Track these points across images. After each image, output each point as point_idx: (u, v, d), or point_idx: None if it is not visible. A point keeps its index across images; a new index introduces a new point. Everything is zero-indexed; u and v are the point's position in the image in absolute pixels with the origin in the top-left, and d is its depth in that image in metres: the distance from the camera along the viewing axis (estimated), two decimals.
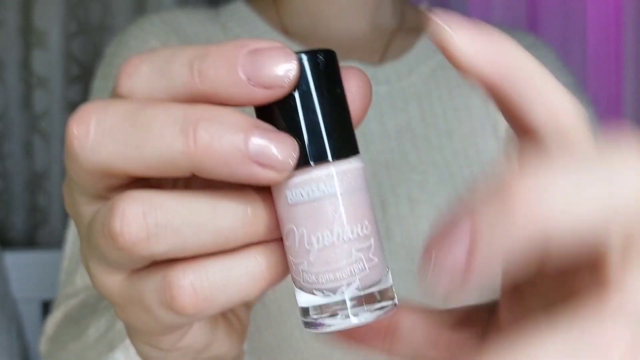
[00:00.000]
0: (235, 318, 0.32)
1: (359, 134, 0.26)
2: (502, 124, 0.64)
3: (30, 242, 1.37)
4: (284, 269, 0.24)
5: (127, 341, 0.38)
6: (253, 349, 0.58)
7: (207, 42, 0.65)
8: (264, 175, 0.21)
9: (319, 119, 0.24)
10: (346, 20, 0.66)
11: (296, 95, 0.23)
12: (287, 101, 0.23)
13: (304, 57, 0.23)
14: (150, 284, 0.23)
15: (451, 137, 0.62)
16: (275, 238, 0.24)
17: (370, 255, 0.25)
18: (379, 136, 0.60)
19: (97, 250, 0.23)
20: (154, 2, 1.40)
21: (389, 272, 0.26)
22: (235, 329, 0.31)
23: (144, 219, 0.21)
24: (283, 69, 0.21)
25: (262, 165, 0.21)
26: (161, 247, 0.21)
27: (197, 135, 0.20)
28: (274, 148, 0.21)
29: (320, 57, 0.24)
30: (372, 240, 0.25)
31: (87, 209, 0.24)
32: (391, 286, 0.26)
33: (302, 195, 0.24)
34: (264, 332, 0.57)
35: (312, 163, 0.24)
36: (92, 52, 1.36)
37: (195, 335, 0.28)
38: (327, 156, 0.24)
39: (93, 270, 0.25)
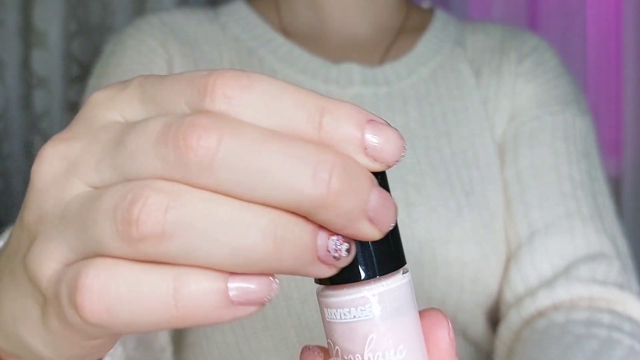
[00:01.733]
0: None
1: None
2: (499, 126, 0.64)
3: None
4: (213, 314, 0.21)
5: None
6: (250, 351, 0.58)
7: (205, 42, 0.65)
8: (369, 233, 0.21)
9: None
10: (348, 21, 0.66)
11: None
12: None
13: None
14: (67, 274, 0.21)
15: (449, 139, 0.61)
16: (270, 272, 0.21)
17: None
18: None
19: (83, 231, 0.21)
20: (154, 2, 1.40)
21: None
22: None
23: (163, 215, 0.20)
24: (395, 151, 0.21)
25: (372, 223, 0.21)
26: (170, 248, 0.20)
27: (331, 184, 0.20)
28: (387, 207, 0.21)
29: None
30: None
31: (80, 186, 0.22)
32: None
33: (336, 316, 0.23)
34: (260, 335, 0.57)
35: (350, 281, 0.23)
36: (92, 52, 1.36)
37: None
38: (360, 276, 0.23)
39: (51, 249, 0.22)
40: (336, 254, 0.21)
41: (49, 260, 0.22)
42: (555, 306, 0.56)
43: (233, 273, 0.21)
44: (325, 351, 0.25)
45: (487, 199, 0.60)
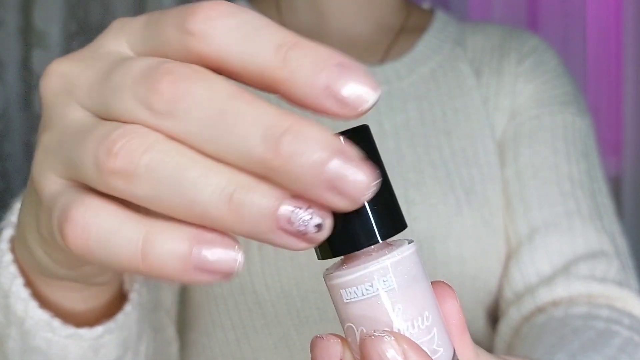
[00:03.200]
0: None
1: None
2: (499, 125, 0.64)
3: None
4: (179, 270, 0.21)
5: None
6: (251, 349, 0.58)
7: None
8: (334, 202, 0.20)
9: (366, 203, 0.22)
10: (349, 20, 0.66)
11: None
12: None
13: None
14: (62, 199, 0.23)
15: (449, 137, 0.62)
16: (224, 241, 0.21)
17: (435, 347, 0.23)
18: (376, 136, 0.60)
19: (73, 150, 0.23)
20: (154, 2, 1.40)
21: (454, 353, 0.25)
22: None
23: (139, 156, 0.21)
24: (365, 91, 0.21)
25: (335, 192, 0.20)
26: (137, 189, 0.21)
27: (279, 147, 0.20)
28: (352, 177, 0.20)
29: (358, 134, 0.23)
30: (435, 329, 0.24)
31: (80, 113, 0.24)
32: None
33: (356, 294, 0.23)
34: (260, 333, 0.57)
35: (362, 248, 0.22)
36: None
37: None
38: (376, 239, 0.22)
39: (49, 162, 0.24)
40: (302, 228, 0.20)
41: (49, 173, 0.24)
42: (555, 303, 0.56)
43: (202, 240, 0.21)
44: (341, 338, 0.24)
45: (487, 197, 0.60)
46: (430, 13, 0.71)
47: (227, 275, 0.21)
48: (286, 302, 0.56)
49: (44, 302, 0.35)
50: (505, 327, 0.58)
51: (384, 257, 0.23)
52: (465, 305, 0.59)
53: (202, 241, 0.21)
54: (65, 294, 0.35)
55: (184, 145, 0.21)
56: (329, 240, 0.22)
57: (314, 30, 0.66)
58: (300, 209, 0.20)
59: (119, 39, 0.24)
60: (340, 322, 0.24)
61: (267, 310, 0.57)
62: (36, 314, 0.34)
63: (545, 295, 0.56)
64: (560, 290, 0.56)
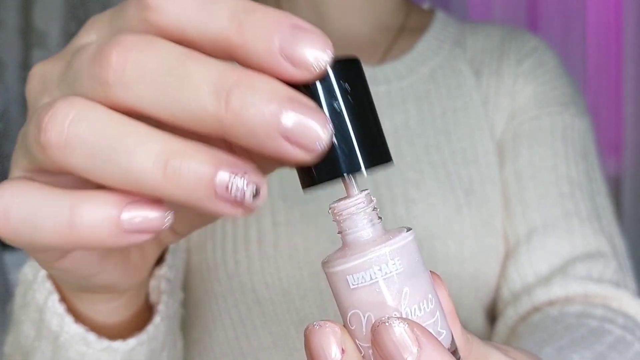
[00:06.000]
0: (138, 252, 0.31)
1: None
2: (499, 125, 0.64)
3: None
4: (112, 235, 0.21)
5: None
6: (250, 347, 0.58)
7: None
8: (293, 154, 0.20)
9: (350, 129, 0.22)
10: (349, 20, 0.66)
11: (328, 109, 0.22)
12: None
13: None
14: None
15: (449, 137, 0.62)
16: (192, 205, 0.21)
17: (439, 329, 0.24)
18: None
19: (25, 140, 0.23)
20: None
21: (452, 335, 0.25)
22: (133, 263, 0.30)
23: (67, 127, 0.21)
24: (316, 53, 0.21)
25: (291, 142, 0.20)
26: (72, 159, 0.21)
27: (229, 101, 0.20)
28: (306, 127, 0.20)
29: (345, 65, 0.23)
30: (438, 312, 0.24)
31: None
32: (456, 349, 0.25)
33: (364, 279, 0.23)
34: (260, 331, 0.57)
35: (345, 173, 0.22)
36: None
37: (76, 262, 0.27)
38: (360, 167, 0.22)
39: (16, 154, 0.25)
40: (239, 195, 0.20)
41: (15, 166, 0.25)
42: (551, 302, 0.56)
43: (129, 202, 0.21)
44: (340, 326, 0.24)
45: (486, 197, 0.60)
46: (430, 13, 0.71)
47: (156, 233, 0.22)
48: (285, 301, 0.56)
49: (77, 317, 0.35)
50: (503, 326, 0.58)
51: (390, 242, 0.23)
52: (464, 304, 0.59)
53: (130, 203, 0.21)
54: (96, 306, 0.35)
55: (122, 114, 0.21)
56: (314, 167, 0.22)
57: None
58: (237, 175, 0.20)
59: (90, 33, 0.24)
60: (342, 311, 0.23)
61: (267, 308, 0.57)
62: (71, 329, 0.35)
63: (542, 295, 0.56)
64: (557, 290, 0.56)
